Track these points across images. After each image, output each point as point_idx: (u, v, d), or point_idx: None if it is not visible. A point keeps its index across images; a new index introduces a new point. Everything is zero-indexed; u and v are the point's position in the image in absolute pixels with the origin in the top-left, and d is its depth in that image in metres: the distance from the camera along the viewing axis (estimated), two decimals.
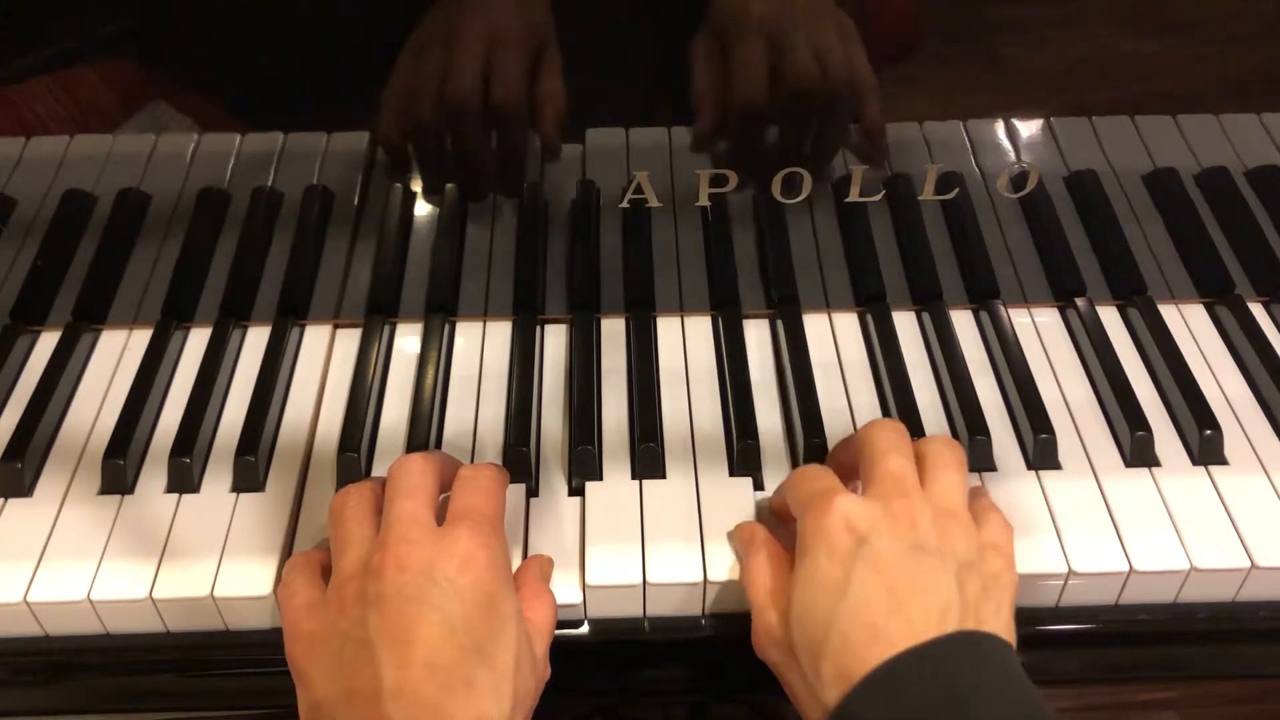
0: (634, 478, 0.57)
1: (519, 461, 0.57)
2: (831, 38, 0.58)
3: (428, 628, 0.44)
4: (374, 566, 0.45)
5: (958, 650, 0.43)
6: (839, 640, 0.44)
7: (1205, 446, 0.57)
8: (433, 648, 0.43)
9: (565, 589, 0.52)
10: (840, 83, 0.59)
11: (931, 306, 0.65)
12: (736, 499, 0.56)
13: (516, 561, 0.53)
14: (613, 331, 0.65)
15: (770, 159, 0.63)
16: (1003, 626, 0.45)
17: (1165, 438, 0.59)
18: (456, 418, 0.60)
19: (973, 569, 0.46)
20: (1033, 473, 0.57)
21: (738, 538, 0.53)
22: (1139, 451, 0.57)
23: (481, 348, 0.64)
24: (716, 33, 0.58)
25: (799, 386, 0.60)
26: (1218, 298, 0.66)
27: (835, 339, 0.64)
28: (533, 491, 0.57)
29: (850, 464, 0.53)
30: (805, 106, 0.60)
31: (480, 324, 0.65)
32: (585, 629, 0.54)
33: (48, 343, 0.64)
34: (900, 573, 0.44)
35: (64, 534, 0.54)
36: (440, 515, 0.49)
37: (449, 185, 0.67)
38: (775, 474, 0.57)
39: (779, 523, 0.54)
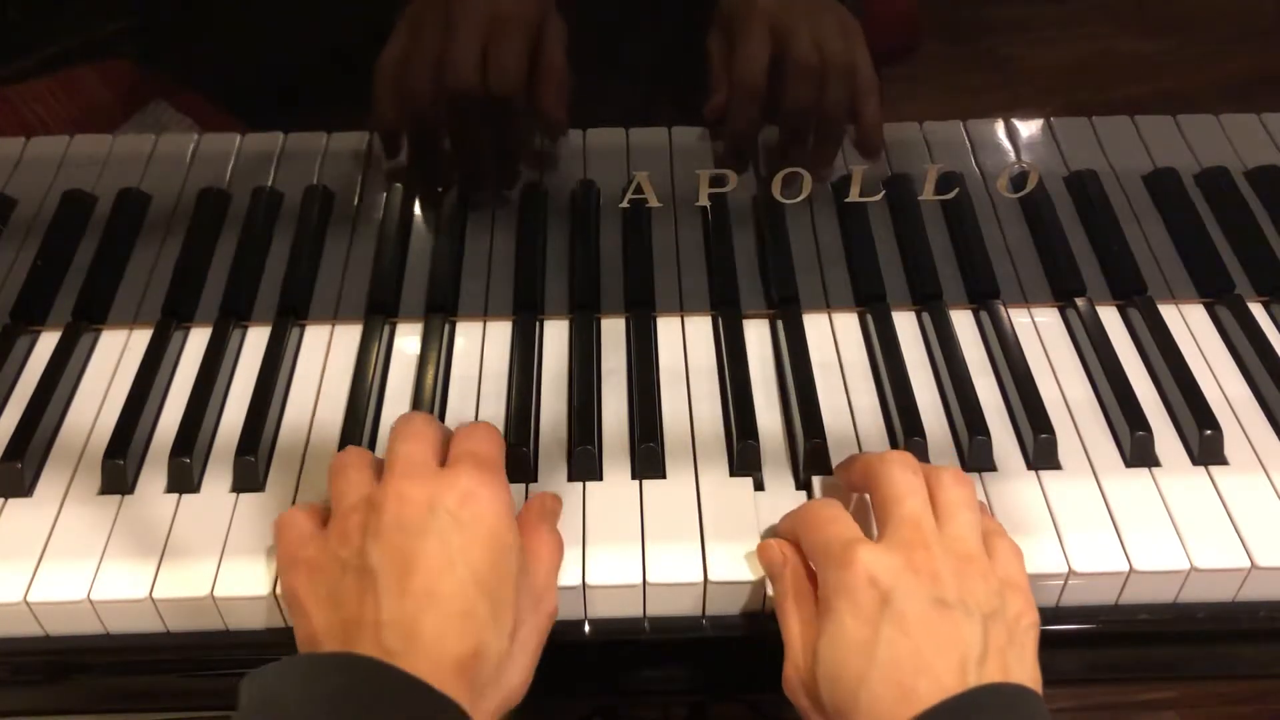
0: (634, 478, 0.57)
1: (519, 461, 0.56)
2: (834, 34, 0.58)
3: (428, 558, 0.44)
4: (376, 500, 0.46)
5: (986, 704, 0.43)
6: (869, 700, 0.44)
7: (1205, 446, 0.57)
8: (433, 577, 0.44)
9: (566, 588, 0.52)
10: (843, 80, 0.59)
11: (931, 306, 0.65)
12: (737, 499, 0.56)
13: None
14: (613, 331, 0.65)
15: (771, 157, 0.63)
16: (1027, 673, 0.45)
17: (1165, 438, 0.59)
18: (456, 418, 0.60)
19: (996, 617, 0.46)
20: (1033, 473, 0.57)
21: (764, 559, 0.52)
22: (1139, 451, 0.57)
23: (481, 348, 0.64)
24: (719, 31, 0.58)
25: (799, 386, 0.60)
26: (1218, 298, 0.66)
27: (835, 339, 0.64)
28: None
29: (856, 486, 0.53)
30: (807, 104, 0.60)
31: (480, 324, 0.65)
32: (585, 629, 0.54)
33: (48, 343, 0.64)
34: (926, 630, 0.44)
35: (64, 534, 0.54)
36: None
37: (449, 184, 0.67)
38: (775, 474, 0.57)
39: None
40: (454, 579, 0.44)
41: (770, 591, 0.52)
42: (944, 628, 0.45)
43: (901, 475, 0.49)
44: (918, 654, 0.44)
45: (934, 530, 0.48)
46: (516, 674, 0.47)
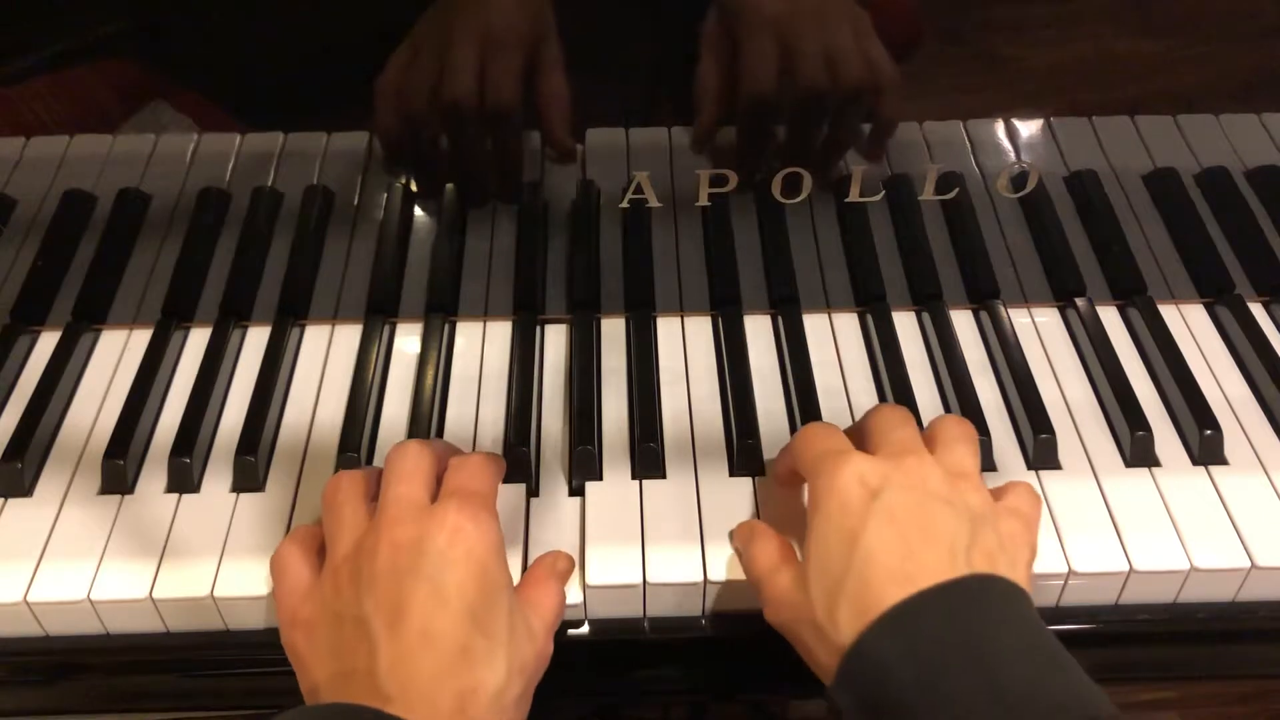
0: (634, 478, 0.57)
1: (519, 461, 0.56)
2: (845, 33, 0.57)
3: (419, 600, 0.44)
4: (367, 547, 0.46)
5: (975, 590, 0.44)
6: (855, 583, 0.44)
7: (1205, 446, 0.57)
8: (427, 617, 0.44)
9: (565, 589, 0.52)
10: (853, 78, 0.58)
11: (931, 306, 0.65)
12: (736, 499, 0.56)
13: (514, 564, 0.53)
14: (613, 331, 0.65)
15: (776, 157, 0.63)
16: (1019, 580, 0.46)
17: (1165, 438, 0.59)
18: (456, 418, 0.60)
19: (986, 522, 0.46)
20: (1033, 473, 0.57)
21: (738, 535, 0.52)
22: (1139, 451, 0.57)
23: (481, 348, 0.64)
24: (723, 30, 0.58)
25: (799, 387, 0.60)
26: (1217, 298, 0.66)
27: (835, 339, 0.64)
28: (533, 491, 0.57)
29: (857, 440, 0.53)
30: (815, 104, 0.60)
31: (480, 324, 0.65)
32: (585, 629, 0.54)
33: (48, 343, 0.64)
34: (914, 521, 0.45)
35: (64, 534, 0.54)
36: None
37: (449, 185, 0.67)
38: None
39: (781, 496, 0.55)
40: (448, 616, 0.44)
41: None
42: (933, 519, 0.45)
43: (891, 412, 0.51)
44: (905, 541, 0.44)
45: (925, 450, 0.49)
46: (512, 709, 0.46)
